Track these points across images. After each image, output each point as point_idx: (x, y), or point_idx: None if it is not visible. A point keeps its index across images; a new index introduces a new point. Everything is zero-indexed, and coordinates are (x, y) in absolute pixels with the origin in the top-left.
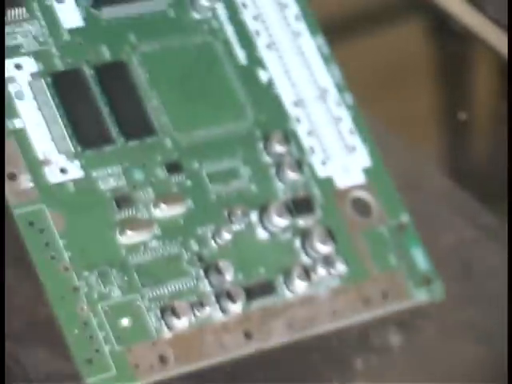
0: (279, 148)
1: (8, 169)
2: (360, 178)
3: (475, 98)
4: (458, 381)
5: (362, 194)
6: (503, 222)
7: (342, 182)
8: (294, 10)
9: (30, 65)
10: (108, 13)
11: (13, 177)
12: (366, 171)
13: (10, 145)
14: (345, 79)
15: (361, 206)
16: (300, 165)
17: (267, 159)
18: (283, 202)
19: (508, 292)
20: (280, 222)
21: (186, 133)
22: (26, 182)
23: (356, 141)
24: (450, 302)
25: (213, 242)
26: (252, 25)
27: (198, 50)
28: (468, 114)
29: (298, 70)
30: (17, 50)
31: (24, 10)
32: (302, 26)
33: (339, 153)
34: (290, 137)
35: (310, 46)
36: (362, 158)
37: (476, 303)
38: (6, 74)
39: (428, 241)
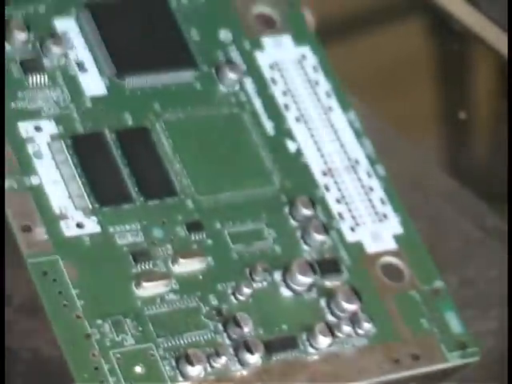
0: (305, 211)
1: (23, 221)
2: (391, 244)
3: (475, 97)
4: (458, 381)
5: (393, 260)
6: (504, 222)
7: (371, 248)
8: (325, 86)
9: (50, 127)
10: (132, 83)
11: (28, 229)
12: (398, 238)
13: (26, 199)
14: (344, 79)
15: (391, 272)
16: (327, 228)
17: (293, 222)
18: (307, 260)
19: (508, 292)
20: (303, 280)
21: (209, 196)
22: (41, 234)
23: (387, 210)
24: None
25: (233, 297)
26: (281, 99)
27: (224, 120)
28: (468, 114)
29: (328, 142)
30: (37, 114)
31: (46, 76)
32: (333, 102)
33: (369, 219)
34: (316, 201)
35: (341, 120)
36: (393, 225)
37: (476, 302)
38: (25, 135)
39: (431, 240)
